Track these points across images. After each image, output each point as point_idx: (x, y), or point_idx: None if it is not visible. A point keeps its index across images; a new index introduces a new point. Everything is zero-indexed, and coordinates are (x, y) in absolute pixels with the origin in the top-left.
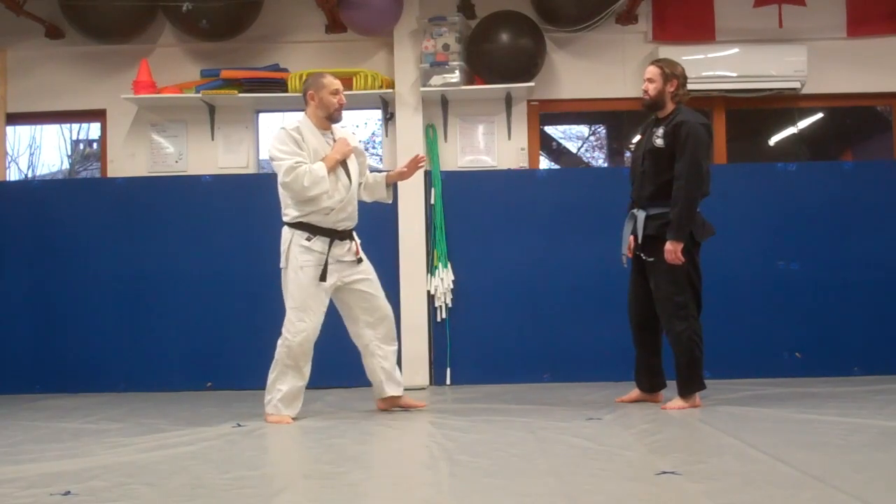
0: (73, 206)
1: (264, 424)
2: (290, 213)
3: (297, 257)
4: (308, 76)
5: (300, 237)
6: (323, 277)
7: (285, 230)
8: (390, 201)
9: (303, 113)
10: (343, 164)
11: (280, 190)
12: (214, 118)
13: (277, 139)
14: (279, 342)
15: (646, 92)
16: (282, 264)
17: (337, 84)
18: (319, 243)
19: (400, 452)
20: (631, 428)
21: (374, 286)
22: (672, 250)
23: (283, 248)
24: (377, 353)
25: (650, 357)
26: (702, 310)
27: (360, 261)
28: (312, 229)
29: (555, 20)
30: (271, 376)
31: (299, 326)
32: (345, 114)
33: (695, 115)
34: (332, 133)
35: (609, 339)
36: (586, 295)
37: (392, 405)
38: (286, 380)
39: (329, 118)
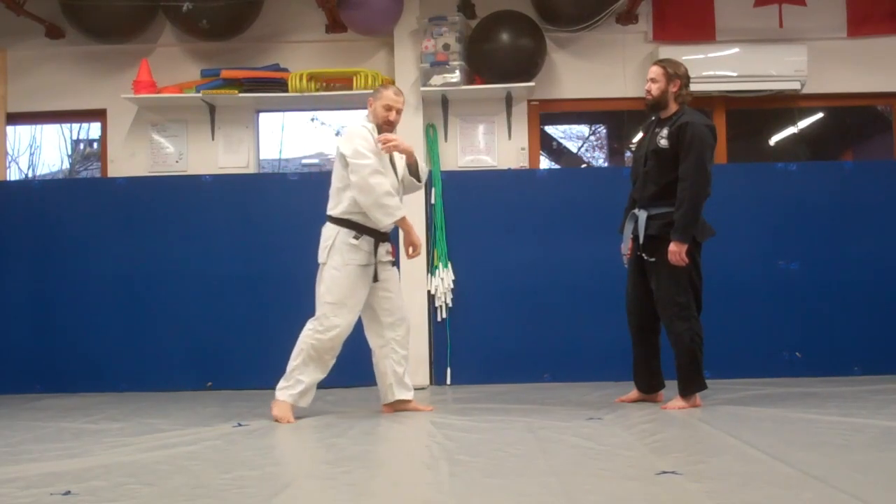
0: (73, 206)
1: (264, 424)
2: (340, 207)
3: (343, 254)
4: (380, 83)
5: (347, 235)
6: (376, 278)
7: (329, 227)
8: (422, 182)
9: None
10: (392, 165)
11: (336, 184)
12: (215, 118)
13: (361, 136)
14: (307, 333)
15: (648, 92)
16: (321, 260)
17: (393, 101)
18: (366, 243)
19: (400, 452)
20: (631, 428)
21: (397, 287)
22: (676, 251)
23: (326, 243)
24: (391, 356)
25: (649, 358)
26: (702, 310)
27: (393, 263)
28: (359, 228)
29: (555, 20)
30: (293, 363)
31: (333, 321)
32: (345, 113)
33: (700, 116)
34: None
35: (609, 339)
36: (586, 295)
37: (398, 409)
38: (308, 371)
39: (378, 128)
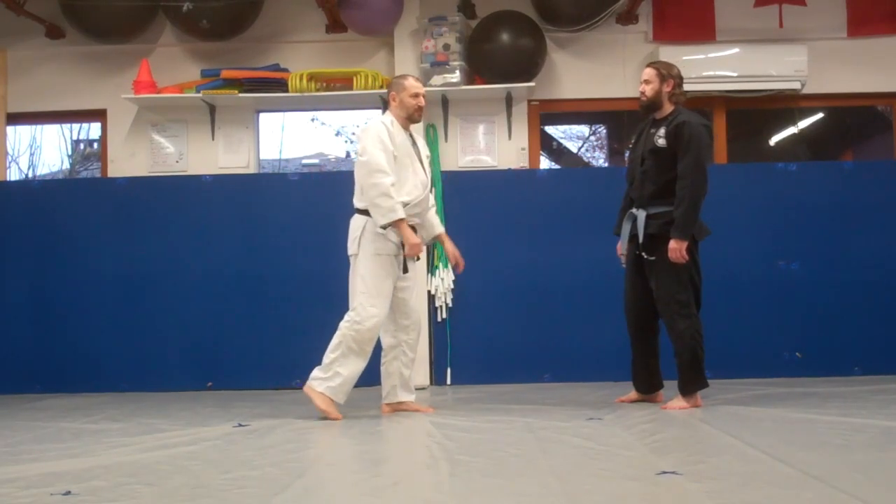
0: (73, 206)
1: (264, 424)
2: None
3: (373, 244)
4: (393, 78)
5: (374, 224)
6: (405, 269)
7: (357, 217)
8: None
9: (387, 111)
10: (420, 162)
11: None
12: (215, 118)
13: (374, 133)
14: (345, 325)
15: (643, 93)
16: (352, 251)
17: (417, 88)
18: (394, 234)
19: (400, 452)
20: (631, 428)
21: (415, 292)
22: (677, 248)
23: (356, 234)
24: (401, 358)
25: (648, 358)
26: (701, 307)
27: (417, 258)
28: None
29: (555, 20)
30: (331, 356)
31: (371, 311)
32: (345, 114)
33: (695, 115)
34: (410, 132)
35: (609, 339)
36: (586, 295)
37: (398, 409)
38: (348, 364)
39: (409, 118)
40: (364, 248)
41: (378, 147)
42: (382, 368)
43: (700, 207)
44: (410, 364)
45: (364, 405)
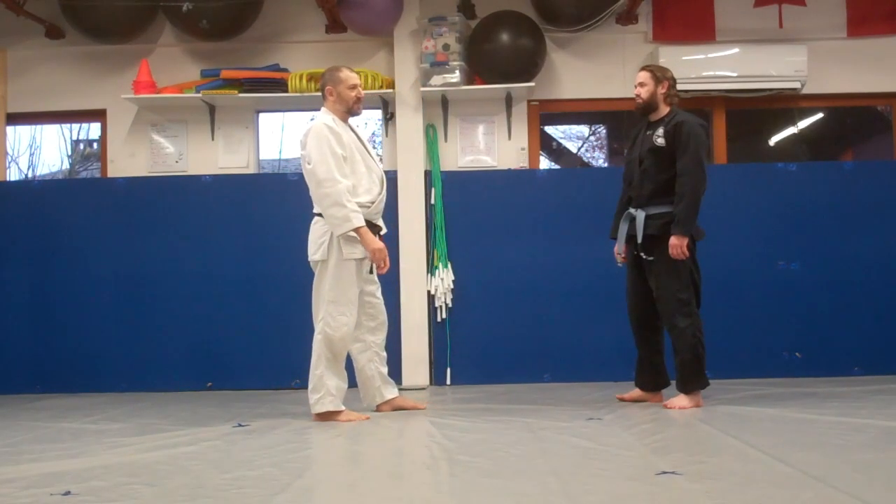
0: (73, 206)
1: (264, 424)
2: None
3: (343, 248)
4: (325, 71)
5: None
6: (372, 269)
7: (321, 222)
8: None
9: (323, 108)
10: (371, 156)
11: None
12: (214, 118)
13: (318, 137)
14: (318, 339)
15: (638, 96)
16: (318, 256)
17: (355, 78)
18: None
19: (400, 452)
20: (631, 428)
21: (378, 291)
22: (678, 244)
23: (321, 240)
24: (375, 359)
25: (652, 355)
26: (700, 306)
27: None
28: None
29: (555, 20)
30: (315, 373)
31: (341, 320)
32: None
33: (692, 115)
34: (350, 124)
35: (609, 339)
36: (586, 295)
37: (392, 407)
38: (332, 374)
39: (349, 112)
40: (332, 254)
41: (325, 153)
42: (359, 375)
43: (700, 204)
44: (385, 361)
45: (362, 405)
